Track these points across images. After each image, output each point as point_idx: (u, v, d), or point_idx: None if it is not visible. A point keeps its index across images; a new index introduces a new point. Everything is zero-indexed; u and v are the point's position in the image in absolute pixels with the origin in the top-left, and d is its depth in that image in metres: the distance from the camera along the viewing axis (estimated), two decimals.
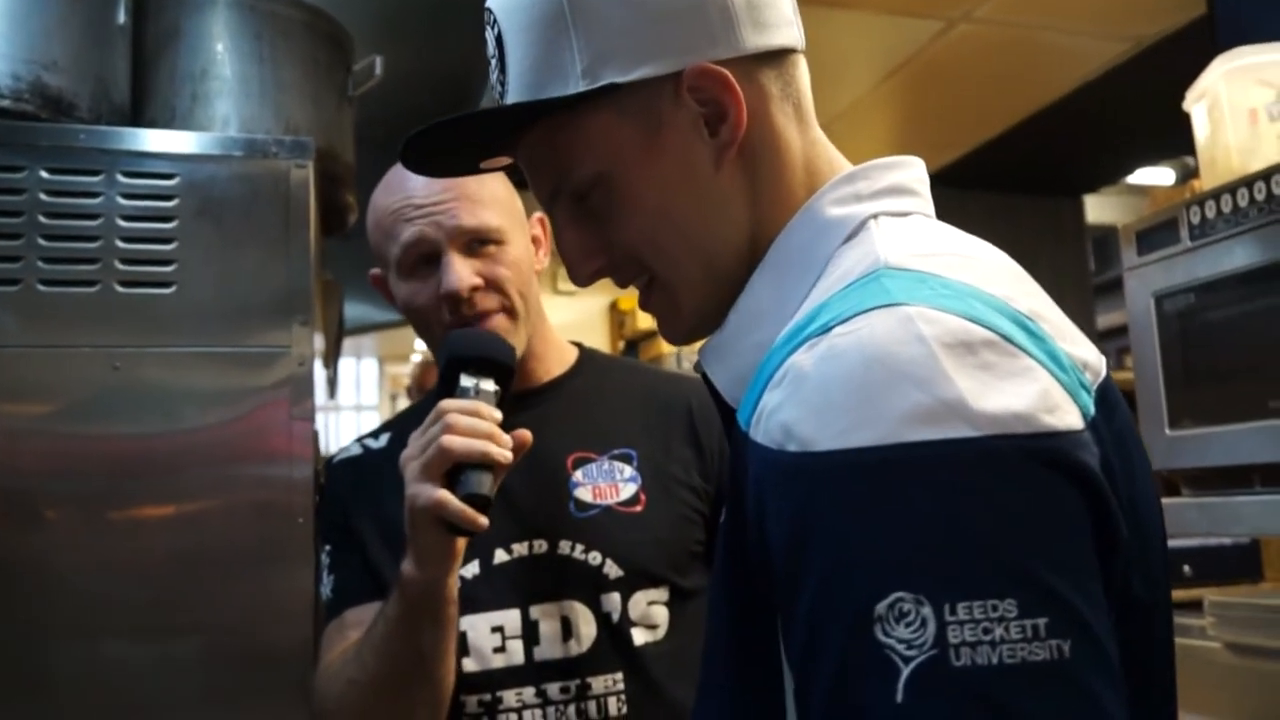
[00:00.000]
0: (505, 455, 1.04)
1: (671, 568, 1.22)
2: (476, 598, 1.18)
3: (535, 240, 1.31)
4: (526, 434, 1.08)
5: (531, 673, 1.18)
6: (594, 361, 1.37)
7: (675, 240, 0.75)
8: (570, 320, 5.38)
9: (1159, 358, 1.75)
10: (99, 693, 1.28)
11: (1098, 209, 5.37)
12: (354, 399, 9.94)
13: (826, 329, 0.61)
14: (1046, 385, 0.57)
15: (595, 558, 1.20)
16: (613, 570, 1.20)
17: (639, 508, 1.23)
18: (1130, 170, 4.93)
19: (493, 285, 1.20)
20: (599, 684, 1.18)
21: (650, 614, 1.21)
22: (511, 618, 1.20)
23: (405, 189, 1.21)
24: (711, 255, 0.75)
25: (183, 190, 1.39)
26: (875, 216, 0.72)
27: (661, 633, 1.21)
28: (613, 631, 1.19)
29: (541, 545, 1.21)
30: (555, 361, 1.33)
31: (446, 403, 1.06)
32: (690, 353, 4.81)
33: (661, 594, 1.22)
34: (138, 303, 1.35)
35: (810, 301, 0.69)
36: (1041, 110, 3.95)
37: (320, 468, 1.42)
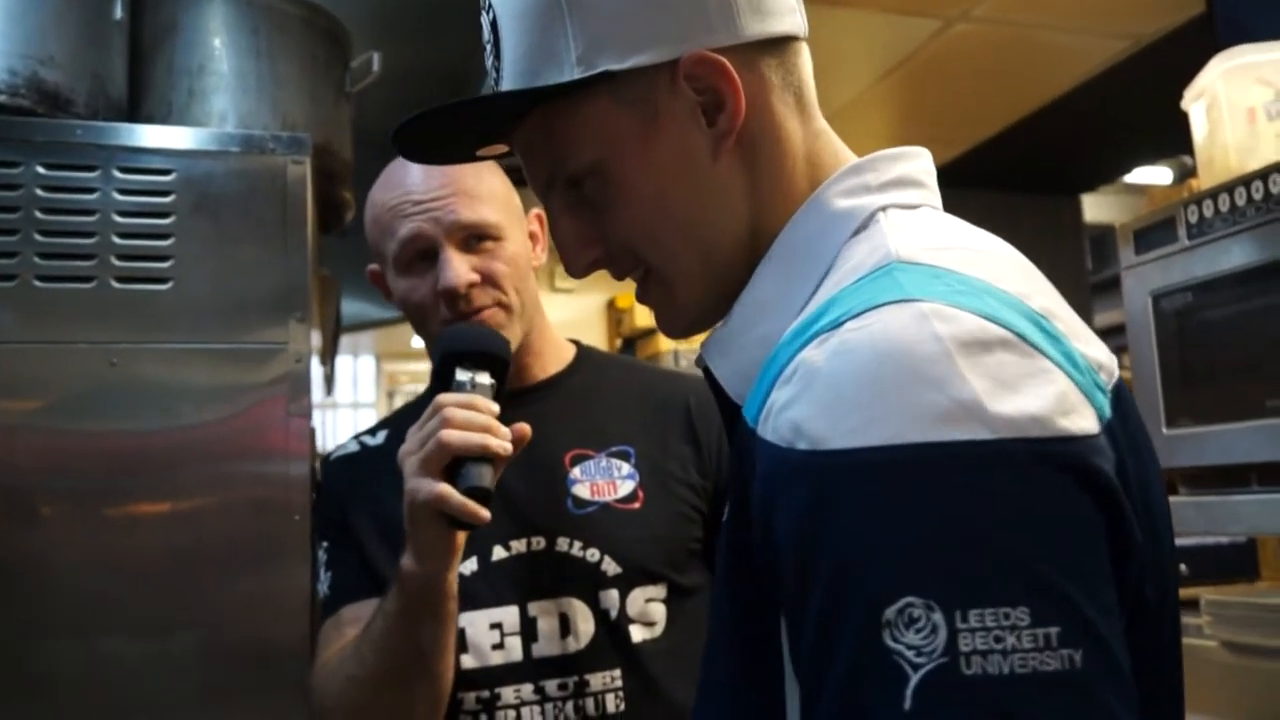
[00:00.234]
0: (504, 447, 1.04)
1: (669, 565, 1.22)
2: (475, 594, 1.18)
3: (533, 236, 1.31)
4: (526, 428, 1.08)
5: (530, 669, 1.18)
6: (592, 359, 1.37)
7: (672, 232, 0.74)
8: (568, 318, 5.38)
9: (1156, 357, 1.75)
10: (96, 690, 1.28)
11: (1095, 208, 5.38)
12: (351, 396, 9.93)
13: (838, 324, 0.59)
14: (1063, 387, 0.56)
15: (593, 555, 1.20)
16: (611, 567, 1.20)
17: (637, 505, 1.23)
18: (1128, 169, 4.93)
19: (489, 281, 1.20)
20: (597, 681, 1.18)
21: (648, 611, 1.21)
22: (510, 614, 1.20)
23: (404, 185, 1.21)
24: (710, 247, 0.74)
25: (179, 186, 1.38)
26: (884, 209, 0.71)
27: (659, 630, 1.21)
28: (611, 628, 1.19)
29: (540, 542, 1.21)
30: (553, 359, 1.33)
31: (443, 397, 1.06)
32: (688, 351, 4.81)
33: (659, 591, 1.22)
34: (134, 299, 1.35)
35: (819, 296, 0.67)
36: (1039, 109, 3.95)
37: (317, 465, 1.42)
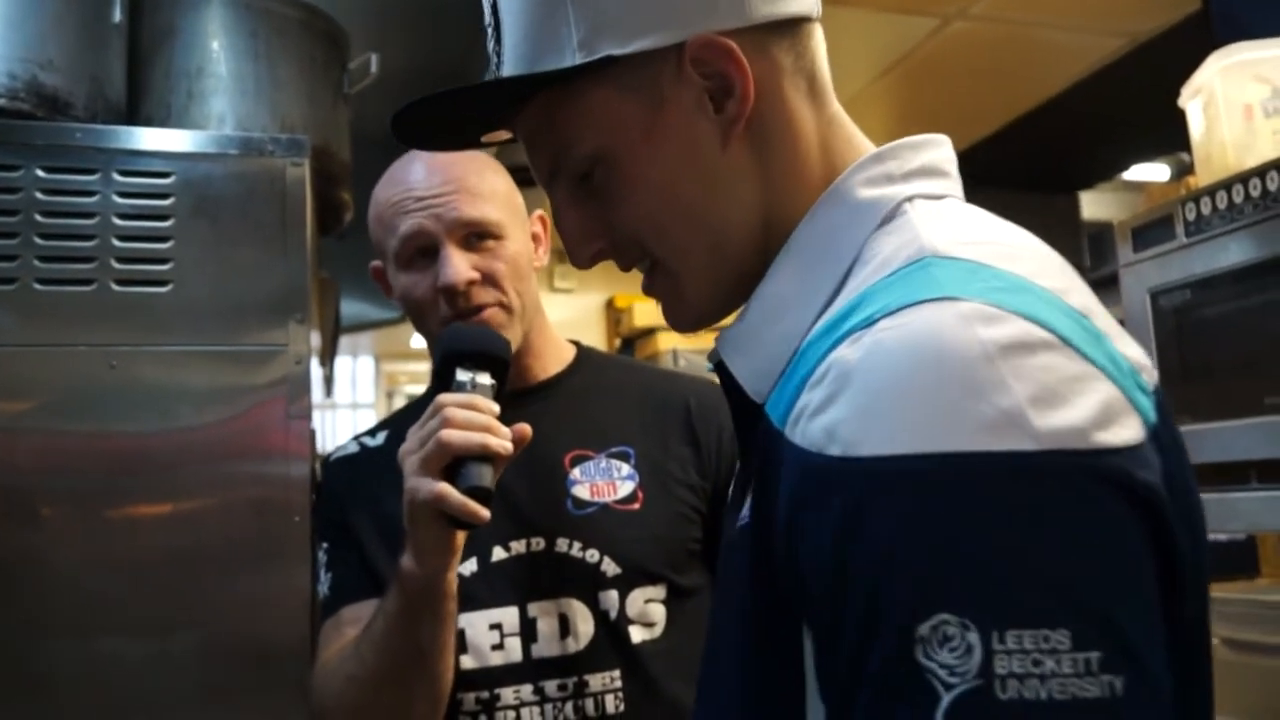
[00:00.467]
0: (505, 447, 1.04)
1: (669, 565, 1.22)
2: (474, 595, 1.18)
3: (535, 238, 1.31)
4: (526, 428, 1.07)
5: (529, 670, 1.18)
6: (591, 360, 1.37)
7: (679, 222, 0.71)
8: (567, 317, 5.38)
9: (1155, 354, 1.76)
10: (96, 691, 1.28)
11: (1093, 205, 5.38)
12: (350, 397, 9.93)
13: (871, 321, 0.56)
14: (1108, 394, 0.53)
15: (593, 555, 1.20)
16: (610, 568, 1.20)
17: (637, 505, 1.23)
18: (1126, 166, 4.93)
19: (489, 279, 1.20)
20: (596, 681, 1.18)
21: (648, 612, 1.21)
22: (509, 615, 1.20)
23: (407, 182, 1.22)
24: (718, 238, 0.71)
25: (179, 189, 1.39)
26: (911, 199, 0.67)
27: (659, 630, 1.21)
28: (610, 629, 1.20)
29: (539, 543, 1.21)
30: (553, 360, 1.33)
31: (444, 397, 1.06)
32: (687, 351, 4.82)
33: (659, 592, 1.22)
34: (134, 301, 1.35)
35: (846, 291, 0.64)
36: (1036, 107, 3.95)
37: (317, 466, 1.42)
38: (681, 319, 0.76)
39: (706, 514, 1.26)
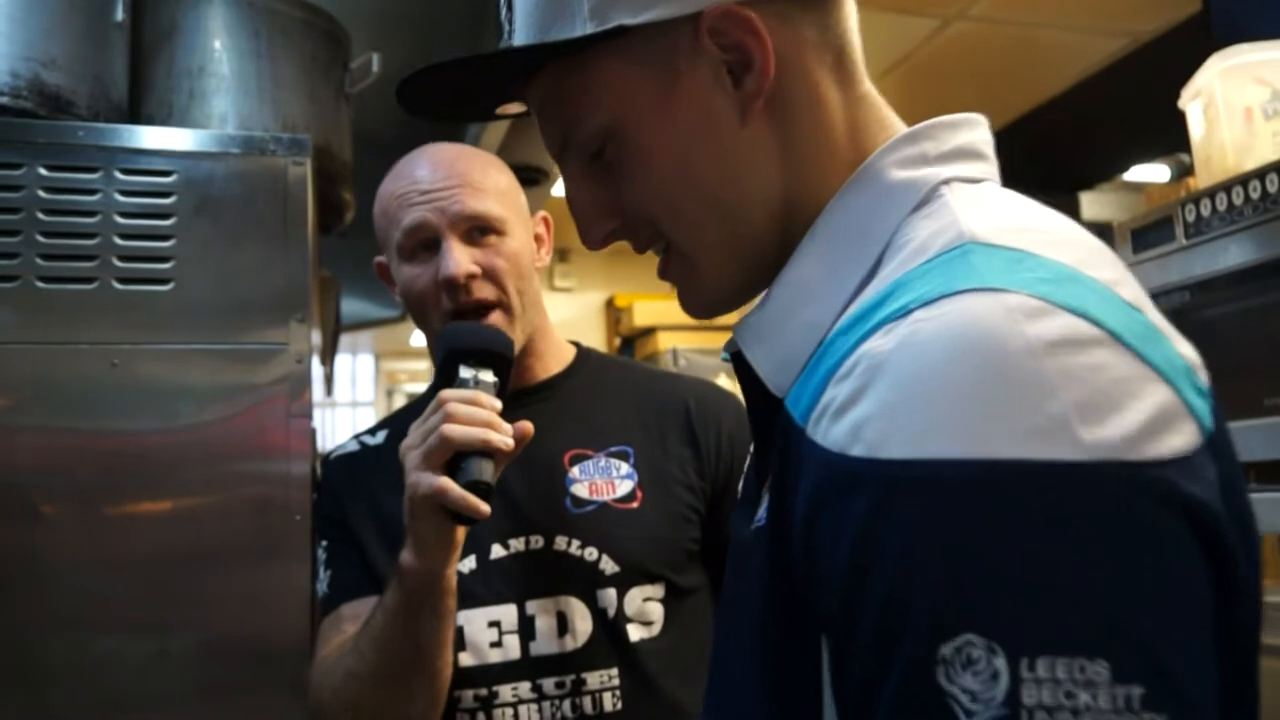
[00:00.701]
0: (506, 442, 1.04)
1: (667, 565, 1.23)
2: (473, 593, 1.19)
3: (538, 238, 1.31)
4: (528, 425, 1.08)
5: (527, 668, 1.19)
6: (591, 360, 1.38)
7: (695, 202, 0.66)
8: (567, 317, 5.39)
9: None
10: (95, 688, 1.28)
11: (1093, 205, 5.38)
12: (350, 395, 9.93)
13: (906, 311, 0.52)
14: (1162, 398, 0.48)
15: (591, 553, 1.21)
16: (609, 566, 1.20)
17: (635, 504, 1.24)
18: (1126, 167, 4.93)
19: (490, 274, 1.21)
20: (594, 679, 1.19)
21: (646, 610, 1.21)
22: (508, 613, 1.20)
23: (411, 176, 1.23)
24: (735, 220, 0.67)
25: (180, 187, 1.39)
26: (948, 181, 0.63)
27: (657, 629, 1.22)
28: (608, 627, 1.20)
29: (538, 541, 1.22)
30: (554, 360, 1.34)
31: (446, 392, 1.07)
32: (687, 350, 4.82)
33: (657, 590, 1.22)
34: (136, 300, 1.36)
35: (879, 280, 0.60)
36: (1036, 107, 3.95)
37: (317, 464, 1.42)
38: (696, 303, 0.72)
39: (705, 515, 1.26)
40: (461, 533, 1.08)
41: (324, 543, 1.28)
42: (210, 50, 1.56)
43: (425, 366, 9.01)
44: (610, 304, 5.52)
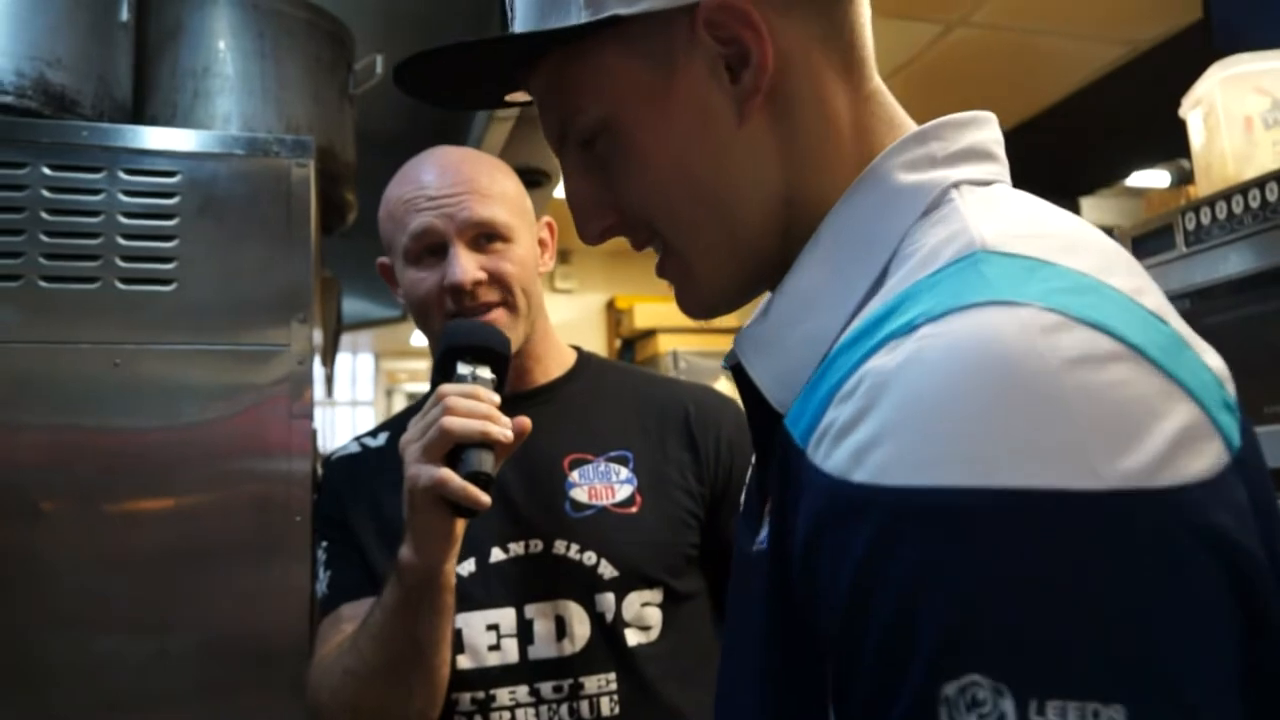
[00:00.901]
0: (505, 434, 1.04)
1: (666, 570, 1.23)
2: (472, 596, 1.19)
3: (542, 243, 1.32)
4: (526, 420, 1.08)
5: (525, 671, 1.19)
6: (592, 365, 1.38)
7: (690, 201, 0.64)
8: (568, 318, 5.40)
9: None
10: (95, 687, 1.29)
11: (1094, 211, 5.39)
12: (350, 395, 9.94)
13: (912, 328, 0.49)
14: (1188, 417, 0.45)
15: (590, 558, 1.21)
16: (607, 570, 1.21)
17: (634, 509, 1.24)
18: (1127, 173, 4.94)
19: (496, 280, 1.21)
20: (592, 684, 1.19)
21: (644, 615, 1.22)
22: (506, 616, 1.20)
23: (419, 180, 1.23)
24: (732, 219, 0.64)
25: (184, 188, 1.39)
26: (957, 185, 0.60)
27: (655, 634, 1.22)
28: (606, 632, 1.20)
29: (537, 545, 1.22)
30: (554, 364, 1.34)
31: (445, 387, 1.07)
32: (687, 352, 4.82)
33: (655, 595, 1.22)
34: (138, 299, 1.36)
35: (885, 290, 0.57)
36: (1038, 114, 3.96)
37: (318, 464, 1.43)
38: (692, 304, 0.70)
39: (704, 520, 1.26)
40: (461, 527, 1.08)
41: (324, 543, 1.28)
42: (215, 51, 1.57)
43: (425, 366, 9.00)
44: (611, 306, 5.52)
